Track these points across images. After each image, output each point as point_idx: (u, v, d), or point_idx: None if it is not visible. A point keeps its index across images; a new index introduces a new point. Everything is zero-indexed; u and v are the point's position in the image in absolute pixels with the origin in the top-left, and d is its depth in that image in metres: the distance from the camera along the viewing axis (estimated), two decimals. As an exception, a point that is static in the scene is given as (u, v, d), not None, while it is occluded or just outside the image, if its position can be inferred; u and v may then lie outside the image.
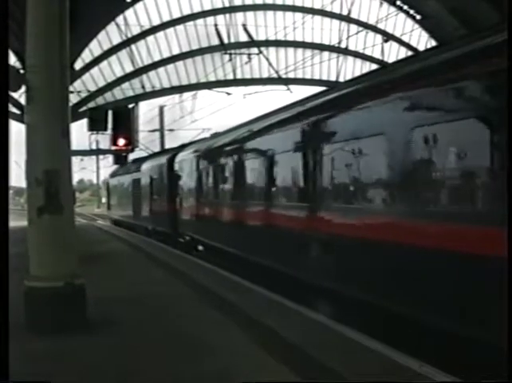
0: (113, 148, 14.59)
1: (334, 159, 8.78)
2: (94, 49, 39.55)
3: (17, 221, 20.45)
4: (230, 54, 29.74)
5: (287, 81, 29.51)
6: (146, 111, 45.92)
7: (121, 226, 32.22)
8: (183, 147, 22.85)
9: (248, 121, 15.05)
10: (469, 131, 5.98)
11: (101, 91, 42.02)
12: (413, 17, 40.41)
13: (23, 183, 8.22)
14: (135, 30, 40.54)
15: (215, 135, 19.83)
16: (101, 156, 53.42)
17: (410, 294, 6.80)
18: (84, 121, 16.93)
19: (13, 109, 30.42)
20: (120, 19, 38.39)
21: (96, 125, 14.45)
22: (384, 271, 7.39)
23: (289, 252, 10.36)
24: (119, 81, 42.61)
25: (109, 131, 14.51)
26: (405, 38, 41.88)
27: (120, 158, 16.66)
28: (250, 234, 12.73)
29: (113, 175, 41.33)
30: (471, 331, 5.92)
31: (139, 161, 29.47)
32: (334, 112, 9.22)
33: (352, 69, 44.66)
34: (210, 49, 42.07)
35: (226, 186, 15.03)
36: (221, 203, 15.36)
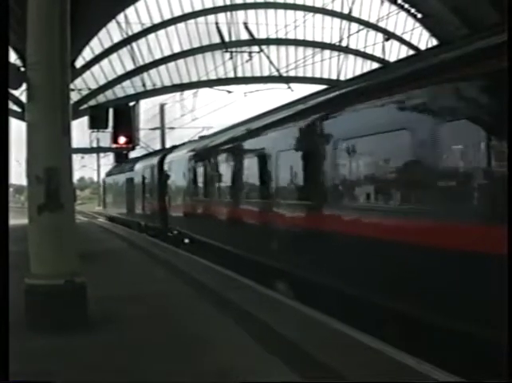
0: (114, 145, 14.60)
1: (285, 166, 10.61)
2: (95, 47, 39.54)
3: (17, 219, 20.45)
4: (231, 52, 29.74)
5: (288, 80, 29.47)
6: (147, 109, 45.96)
7: (116, 222, 33.94)
8: (172, 148, 24.55)
9: (225, 128, 17.11)
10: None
11: (102, 89, 42.01)
12: (414, 16, 40.39)
13: (23, 181, 8.23)
14: (136, 28, 40.51)
15: (201, 138, 21.43)
16: (102, 154, 53.55)
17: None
18: (85, 119, 16.96)
19: (14, 107, 30.44)
20: (120, 17, 38.37)
21: (96, 123, 14.47)
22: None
23: (253, 241, 12.38)
24: (120, 79, 42.59)
25: (110, 129, 14.52)
26: (406, 37, 41.90)
27: (120, 156, 16.70)
28: (228, 229, 14.37)
29: (109, 174, 43.00)
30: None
31: (133, 161, 30.89)
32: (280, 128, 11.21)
33: (353, 67, 44.67)
34: (211, 47, 42.07)
35: (207, 185, 16.74)
36: (203, 200, 17.15)
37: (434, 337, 6.40)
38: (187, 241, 19.33)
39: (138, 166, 29.23)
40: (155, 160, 25.32)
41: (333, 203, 8.69)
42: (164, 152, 25.74)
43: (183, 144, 23.62)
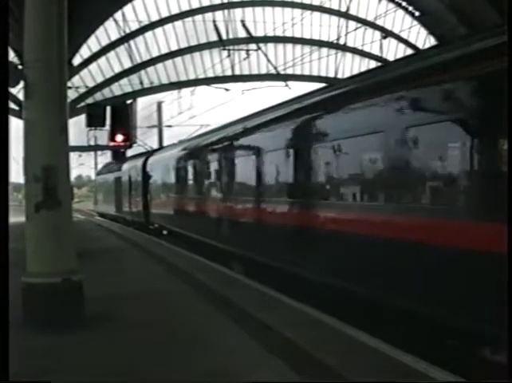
0: (111, 144, 14.57)
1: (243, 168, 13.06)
2: (92, 45, 39.46)
3: (15, 217, 20.42)
4: (229, 50, 29.69)
5: (285, 78, 29.50)
6: (144, 107, 45.89)
7: (106, 217, 37.43)
8: (155, 151, 28.09)
9: (193, 137, 21.30)
10: None
11: (99, 87, 41.92)
12: (412, 14, 40.38)
13: (21, 179, 8.21)
14: (134, 26, 40.46)
15: (180, 142, 24.35)
16: (99, 152, 53.45)
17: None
18: (83, 117, 16.90)
19: (11, 105, 30.37)
20: (118, 15, 38.32)
21: (94, 121, 14.41)
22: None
23: (213, 230, 15.37)
24: (117, 77, 42.50)
25: (107, 127, 14.47)
26: (404, 35, 41.88)
27: (118, 154, 16.73)
28: (200, 223, 16.96)
29: (99, 173, 46.27)
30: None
31: (120, 162, 32.92)
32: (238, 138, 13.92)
33: (351, 65, 44.66)
34: (208, 45, 42.00)
35: (180, 185, 19.88)
36: (176, 198, 20.46)
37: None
38: (165, 232, 22.85)
39: (125, 166, 31.82)
40: (139, 162, 27.96)
41: (257, 199, 12.15)
42: (147, 154, 28.56)
43: (162, 147, 27.12)
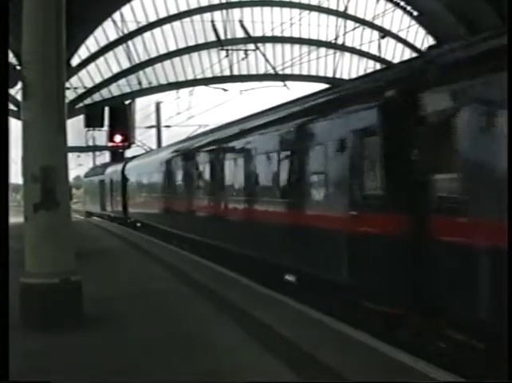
0: (110, 144, 14.59)
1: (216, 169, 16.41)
2: (91, 45, 39.35)
3: (13, 217, 20.38)
4: (227, 50, 29.72)
5: (284, 77, 29.48)
6: (143, 107, 45.78)
7: (92, 215, 42.35)
8: (133, 157, 32.41)
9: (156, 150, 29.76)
10: None
11: (98, 87, 41.83)
12: (410, 14, 40.41)
13: (19, 180, 8.21)
14: (132, 26, 40.38)
15: (152, 151, 31.61)
16: (98, 153, 53.39)
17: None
18: (81, 118, 16.95)
19: (9, 106, 30.30)
20: (116, 15, 38.28)
21: (92, 122, 14.45)
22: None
23: (170, 221, 21.22)
24: (115, 78, 42.39)
25: (106, 127, 14.50)
26: (402, 34, 41.90)
27: (116, 154, 16.78)
28: (165, 216, 22.14)
29: (86, 176, 50.88)
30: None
31: (104, 166, 39.71)
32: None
33: (349, 65, 44.67)
34: (206, 45, 41.92)
35: (147, 188, 25.65)
36: (147, 197, 25.73)
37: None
38: (138, 225, 28.04)
39: (108, 170, 36.57)
40: (119, 167, 32.83)
41: (189, 197, 18.14)
42: (126, 161, 33.04)
43: (137, 156, 32.01)
